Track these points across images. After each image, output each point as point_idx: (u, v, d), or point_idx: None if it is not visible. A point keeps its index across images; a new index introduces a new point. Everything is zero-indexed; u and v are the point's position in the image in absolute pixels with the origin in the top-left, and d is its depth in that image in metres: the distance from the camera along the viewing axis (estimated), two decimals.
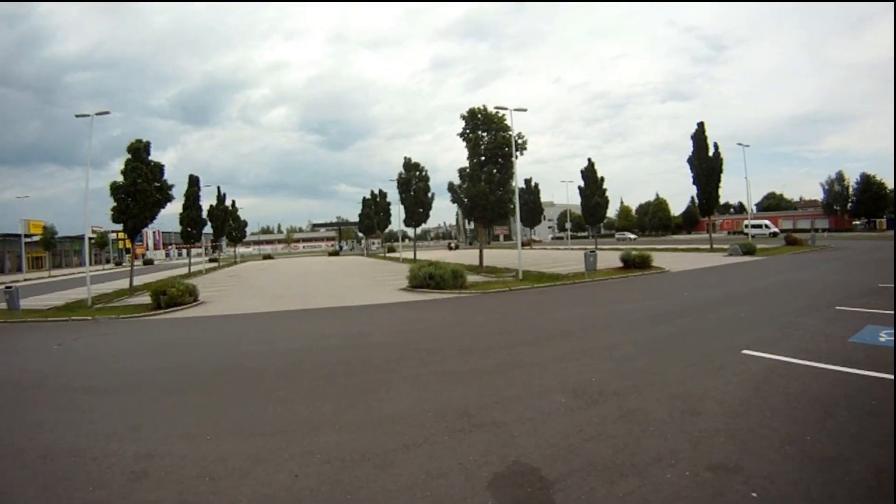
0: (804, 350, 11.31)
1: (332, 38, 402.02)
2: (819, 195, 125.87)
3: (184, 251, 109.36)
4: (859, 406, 7.92)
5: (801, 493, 5.53)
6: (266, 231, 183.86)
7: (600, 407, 8.42)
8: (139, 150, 33.67)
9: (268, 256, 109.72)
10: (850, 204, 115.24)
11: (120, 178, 32.67)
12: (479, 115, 36.33)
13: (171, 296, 25.14)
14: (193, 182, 51.59)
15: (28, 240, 79.46)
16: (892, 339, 12.12)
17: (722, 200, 59.44)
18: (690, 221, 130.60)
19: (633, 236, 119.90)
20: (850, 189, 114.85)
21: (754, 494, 5.50)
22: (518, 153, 35.57)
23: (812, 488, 5.59)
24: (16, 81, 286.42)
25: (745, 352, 11.41)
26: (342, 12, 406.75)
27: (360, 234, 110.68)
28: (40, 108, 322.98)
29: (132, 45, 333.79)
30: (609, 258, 38.96)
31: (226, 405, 9.90)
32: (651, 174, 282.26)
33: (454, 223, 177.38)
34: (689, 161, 51.83)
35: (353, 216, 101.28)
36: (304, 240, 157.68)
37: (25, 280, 55.10)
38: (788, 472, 5.95)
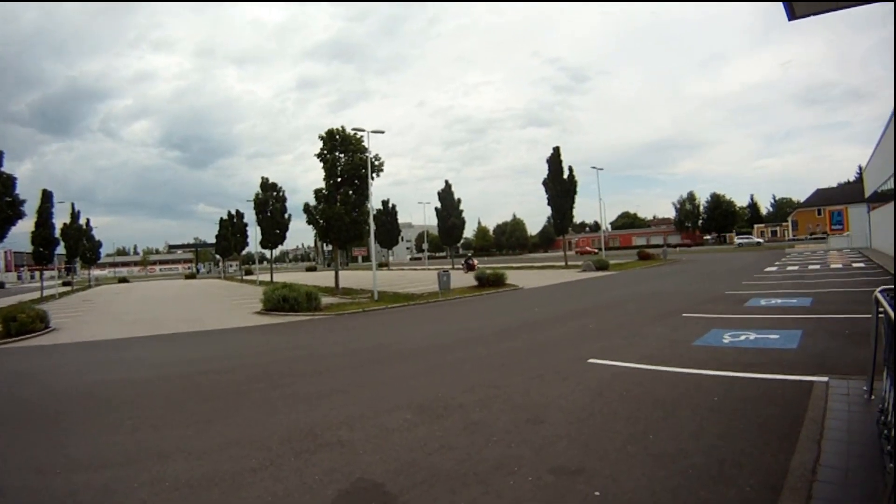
0: (649, 356, 11.68)
1: (201, 51, 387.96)
2: (672, 213, 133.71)
3: (36, 273, 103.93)
4: (701, 403, 8.22)
5: (643, 488, 5.62)
6: (122, 252, 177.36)
7: (444, 421, 8.41)
8: None
9: (123, 280, 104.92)
10: (700, 220, 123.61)
11: None
12: (338, 136, 36.40)
13: (22, 322, 23.69)
14: (47, 197, 48.48)
15: None
16: (736, 339, 12.88)
17: (578, 220, 61.46)
18: (547, 240, 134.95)
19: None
20: (701, 207, 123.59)
21: (597, 493, 5.54)
22: (374, 175, 35.80)
23: (655, 483, 5.70)
24: None
25: (590, 361, 11.65)
26: (213, 25, 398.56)
27: (218, 256, 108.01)
28: None
29: None
30: (465, 278, 39.60)
31: (75, 436, 9.33)
32: (509, 196, 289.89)
33: (312, 245, 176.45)
34: (544, 183, 53.41)
35: (212, 237, 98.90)
36: (161, 262, 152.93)
37: None
38: (631, 469, 6.05)
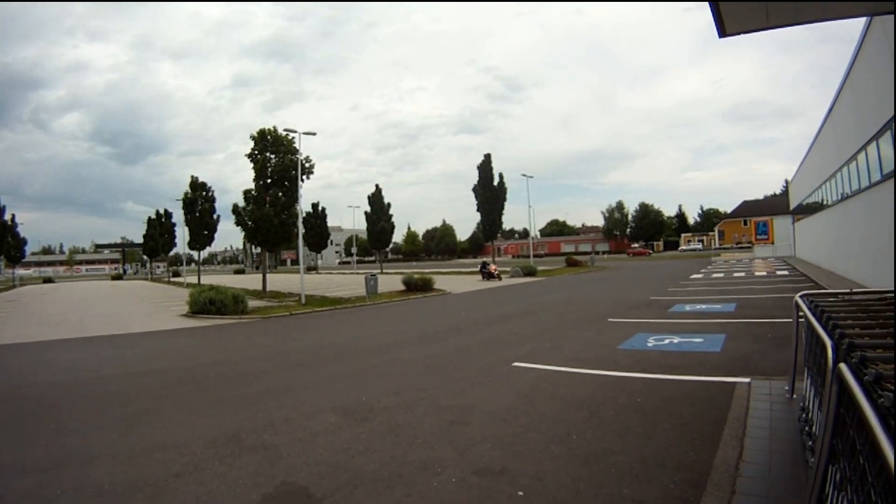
0: (574, 359, 11.83)
1: (138, 42, 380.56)
2: (600, 222, 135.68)
3: None
4: (624, 404, 8.35)
5: (567, 487, 5.66)
6: (47, 251, 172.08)
7: (369, 424, 8.39)
8: None
9: (48, 280, 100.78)
10: (629, 229, 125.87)
11: None
12: (269, 137, 36.11)
13: None
14: None
15: None
16: (661, 343, 13.15)
17: (507, 226, 61.81)
18: (477, 246, 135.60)
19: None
20: (629, 216, 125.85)
21: (521, 493, 5.57)
22: (305, 177, 35.60)
23: (579, 482, 5.75)
24: None
25: (515, 364, 11.74)
26: (153, 16, 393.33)
27: (145, 257, 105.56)
28: None
29: None
30: (393, 282, 39.22)
31: None
32: (439, 202, 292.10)
33: (241, 247, 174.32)
34: (475, 189, 53.65)
35: (139, 237, 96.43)
36: (88, 262, 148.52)
37: None
38: (555, 469, 6.10)
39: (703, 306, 19.78)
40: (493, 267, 45.10)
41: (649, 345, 13.01)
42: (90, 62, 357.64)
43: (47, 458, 7.90)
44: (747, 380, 8.92)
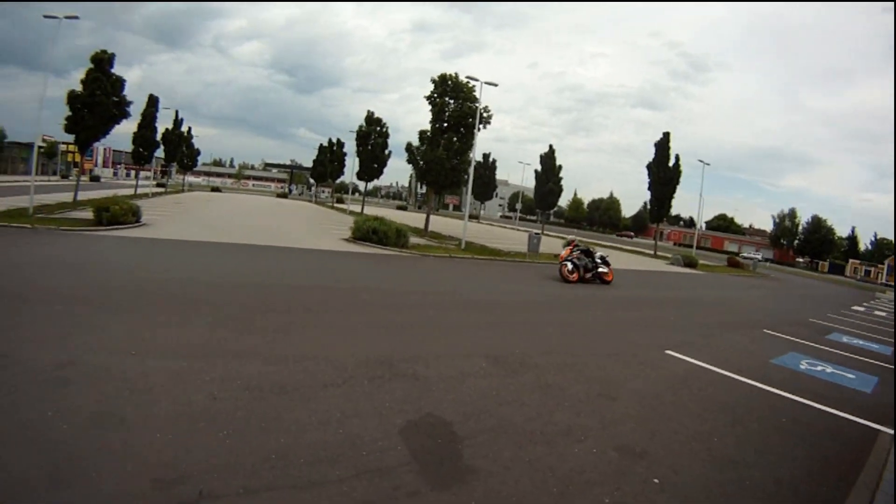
0: (725, 361, 11.54)
1: None
2: (769, 226, 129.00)
3: (132, 172, 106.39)
4: (769, 421, 8.15)
5: (701, 486, 5.67)
6: (217, 163, 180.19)
7: (519, 376, 8.51)
8: (102, 62, 32.25)
9: (216, 189, 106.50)
10: (796, 241, 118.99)
11: (80, 88, 31.60)
12: (450, 82, 36.06)
13: (114, 213, 24.55)
14: (152, 102, 49.59)
15: None
16: (813, 368, 12.57)
17: (673, 212, 59.89)
18: (639, 226, 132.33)
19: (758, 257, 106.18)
20: (800, 227, 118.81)
21: (656, 480, 5.60)
22: (481, 126, 35.53)
23: (712, 484, 5.74)
24: None
25: (667, 352, 11.62)
26: None
27: (312, 181, 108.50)
28: (9, 7, 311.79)
29: None
30: (553, 244, 38.57)
31: (154, 325, 9.69)
32: (607, 172, 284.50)
33: (406, 185, 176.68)
34: (649, 167, 52.23)
35: (308, 162, 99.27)
36: (255, 178, 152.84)
37: None
38: (692, 465, 6.10)
39: (861, 342, 18.58)
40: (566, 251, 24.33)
41: (801, 367, 12.51)
42: None
43: (200, 347, 8.51)
44: (892, 432, 8.46)
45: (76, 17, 28.99)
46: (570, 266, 22.98)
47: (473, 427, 6.38)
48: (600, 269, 23.47)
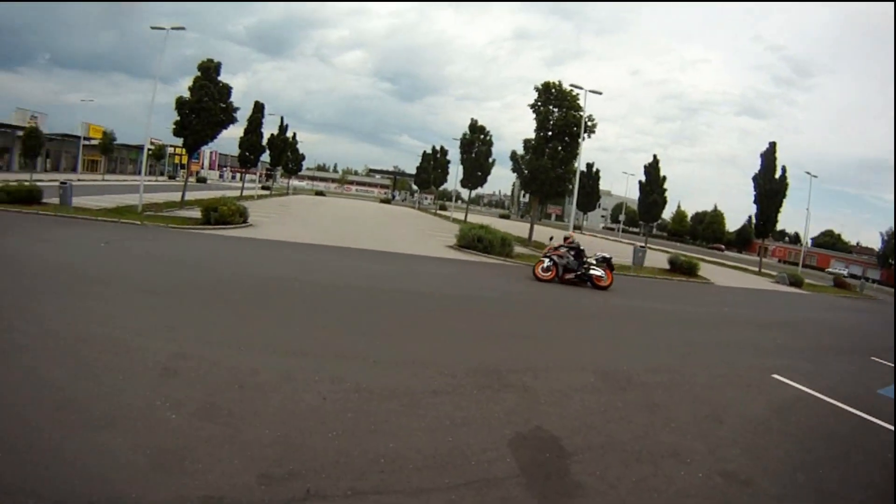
0: (832, 389, 11.20)
1: None
2: (877, 244, 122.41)
3: (237, 175, 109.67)
4: (876, 455, 7.96)
5: None
6: (321, 168, 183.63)
7: (626, 394, 8.57)
8: (209, 70, 33.90)
9: (320, 193, 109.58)
10: None
11: (187, 95, 33.09)
12: (553, 90, 35.97)
13: (222, 213, 25.61)
14: (258, 108, 51.53)
15: (86, 142, 79.04)
16: None
17: (779, 227, 58.06)
18: (742, 240, 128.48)
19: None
20: None
21: None
22: (586, 135, 35.31)
23: None
24: None
25: (774, 376, 11.39)
26: None
27: (415, 187, 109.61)
28: (117, 20, 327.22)
29: None
30: (657, 258, 38.20)
31: (262, 322, 10.21)
32: (712, 185, 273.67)
33: (508, 193, 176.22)
34: (755, 179, 50.81)
35: (409, 168, 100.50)
36: (358, 183, 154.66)
37: (79, 180, 53.16)
38: (797, 497, 6.06)
39: None
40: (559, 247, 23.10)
41: None
42: (370, 8, 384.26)
43: (308, 346, 9.00)
44: None
45: (182, 28, 30.87)
46: (545, 263, 21.88)
47: (581, 443, 6.47)
48: (592, 272, 21.73)
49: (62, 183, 26.91)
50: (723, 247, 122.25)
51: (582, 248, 22.48)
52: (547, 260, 21.96)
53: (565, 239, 22.96)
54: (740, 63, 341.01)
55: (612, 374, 9.50)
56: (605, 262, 22.10)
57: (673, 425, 7.47)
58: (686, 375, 10.22)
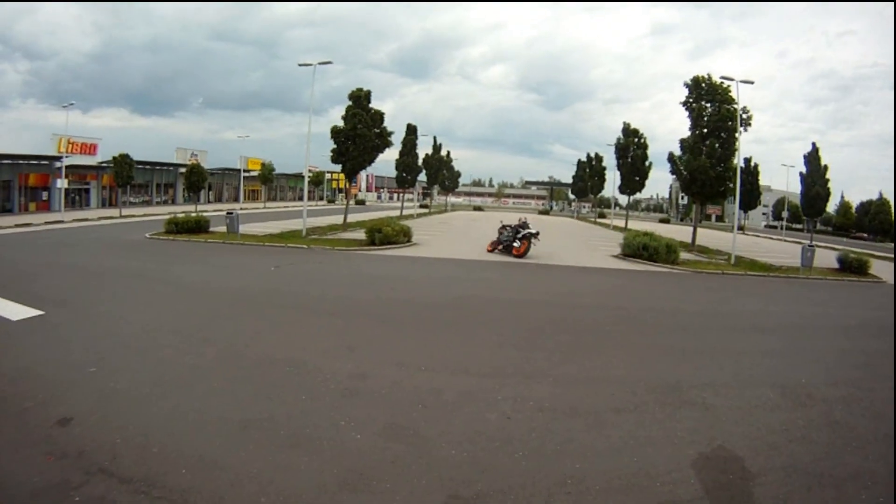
0: None
1: None
2: None
3: (395, 195, 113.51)
4: None
5: None
6: (477, 184, 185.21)
7: (807, 410, 8.29)
8: (360, 98, 36.09)
9: (478, 208, 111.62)
10: None
11: (340, 124, 34.85)
12: (703, 85, 35.04)
13: (386, 234, 26.81)
14: (411, 131, 53.62)
15: (246, 174, 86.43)
16: None
17: None
18: None
19: None
20: None
21: None
22: (742, 128, 34.33)
23: None
24: (241, 38, 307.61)
25: None
26: None
27: (572, 197, 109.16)
28: (264, 60, 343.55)
29: (349, 4, 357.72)
30: (825, 256, 35.42)
31: (440, 341, 10.75)
32: (876, 170, 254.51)
33: (666, 196, 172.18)
34: None
35: (564, 177, 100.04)
36: (515, 196, 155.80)
37: (242, 209, 56.47)
38: None
39: None
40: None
41: None
42: (506, 22, 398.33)
43: (488, 365, 9.42)
44: None
45: (329, 63, 33.31)
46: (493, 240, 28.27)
47: (763, 463, 6.38)
48: (513, 244, 26.73)
49: (229, 212, 29.54)
50: (865, 235, 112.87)
51: (524, 226, 27.24)
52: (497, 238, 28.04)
53: (520, 220, 28.13)
54: (887, 28, 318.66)
55: (792, 389, 9.23)
56: (525, 236, 26.63)
57: (854, 445, 7.15)
58: (867, 391, 9.57)
